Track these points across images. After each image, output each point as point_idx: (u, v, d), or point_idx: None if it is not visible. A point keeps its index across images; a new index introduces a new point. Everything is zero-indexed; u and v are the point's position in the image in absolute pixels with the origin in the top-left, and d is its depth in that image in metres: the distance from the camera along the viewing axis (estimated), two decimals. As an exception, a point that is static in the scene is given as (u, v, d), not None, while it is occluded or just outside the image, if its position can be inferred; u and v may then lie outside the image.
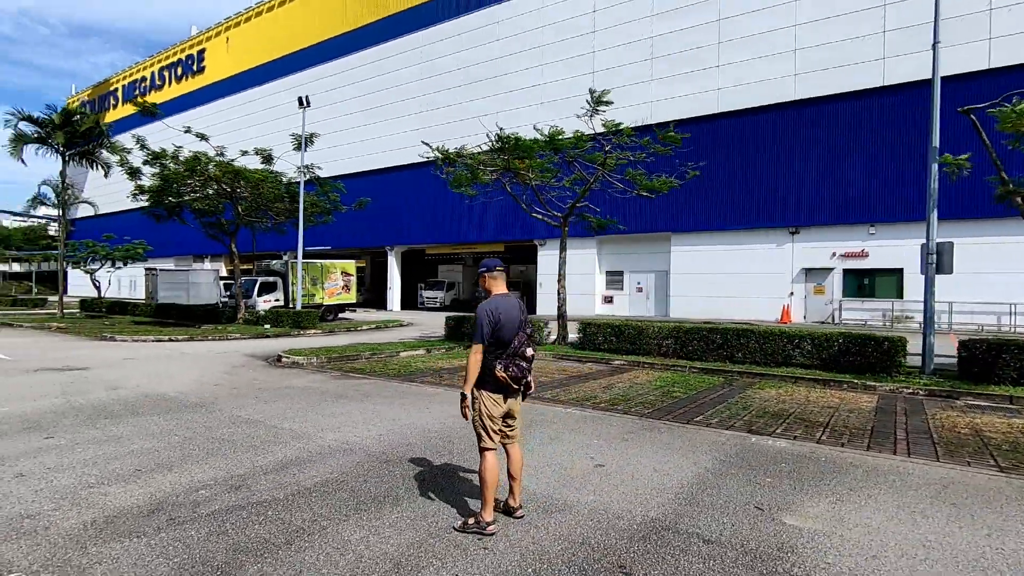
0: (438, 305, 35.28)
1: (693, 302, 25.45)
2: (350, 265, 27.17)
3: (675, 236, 26.35)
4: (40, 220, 53.92)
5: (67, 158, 24.80)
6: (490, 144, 13.37)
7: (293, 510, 4.16)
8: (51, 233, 49.44)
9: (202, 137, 21.89)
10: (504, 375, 3.78)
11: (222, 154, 21.83)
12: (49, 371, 10.80)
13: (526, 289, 32.30)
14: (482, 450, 3.96)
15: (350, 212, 30.54)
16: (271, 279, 25.07)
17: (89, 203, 43.66)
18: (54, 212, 46.01)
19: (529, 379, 4.01)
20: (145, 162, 20.37)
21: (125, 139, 23.67)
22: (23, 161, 28.69)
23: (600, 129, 13.04)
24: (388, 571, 3.28)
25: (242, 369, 11.39)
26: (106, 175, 27.28)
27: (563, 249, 14.77)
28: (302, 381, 10.02)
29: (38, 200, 42.59)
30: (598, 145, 13.45)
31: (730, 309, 24.36)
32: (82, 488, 4.56)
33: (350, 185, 32.40)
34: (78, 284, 54.02)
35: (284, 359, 12.34)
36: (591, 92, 12.96)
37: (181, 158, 20.52)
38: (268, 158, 23.44)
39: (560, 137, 12.92)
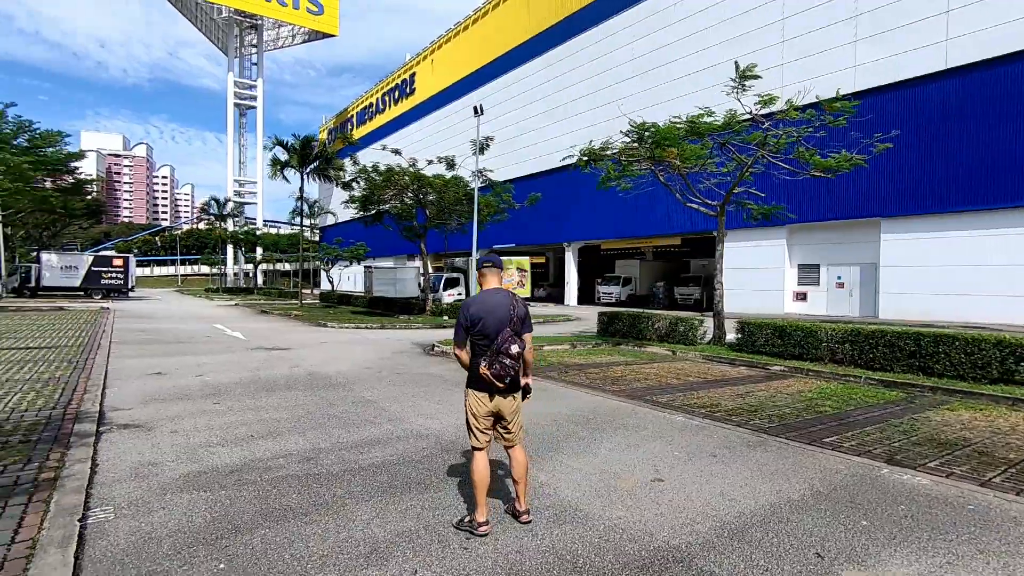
0: (613, 300, 34.75)
1: (911, 300, 20.91)
2: (524, 261, 28.32)
3: (885, 222, 21.91)
4: (299, 227, 66.97)
5: (305, 176, 30.30)
6: (635, 134, 12.71)
7: (334, 485, 4.57)
8: (307, 237, 61.21)
9: (396, 152, 24.88)
10: (486, 372, 3.64)
11: (413, 165, 24.56)
12: (262, 350, 13.37)
13: (707, 285, 29.99)
14: (471, 449, 3.87)
15: (531, 211, 31.72)
16: (454, 275, 27.42)
17: (332, 213, 52.63)
18: (308, 221, 56.50)
19: (521, 378, 3.81)
20: (353, 178, 23.89)
21: (362, 156, 28.02)
22: (286, 179, 35.87)
23: (761, 108, 11.50)
24: (364, 555, 3.42)
25: (399, 355, 12.70)
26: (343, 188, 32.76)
27: (720, 241, 13.40)
28: (439, 368, 10.81)
29: (296, 212, 52.70)
30: (756, 126, 11.87)
31: (964, 310, 19.49)
32: (202, 446, 5.61)
33: (531, 185, 33.78)
34: (328, 280, 65.51)
35: (436, 348, 13.44)
36: (736, 66, 11.50)
37: (380, 171, 23.57)
38: (451, 164, 25.66)
39: (705, 119, 11.68)
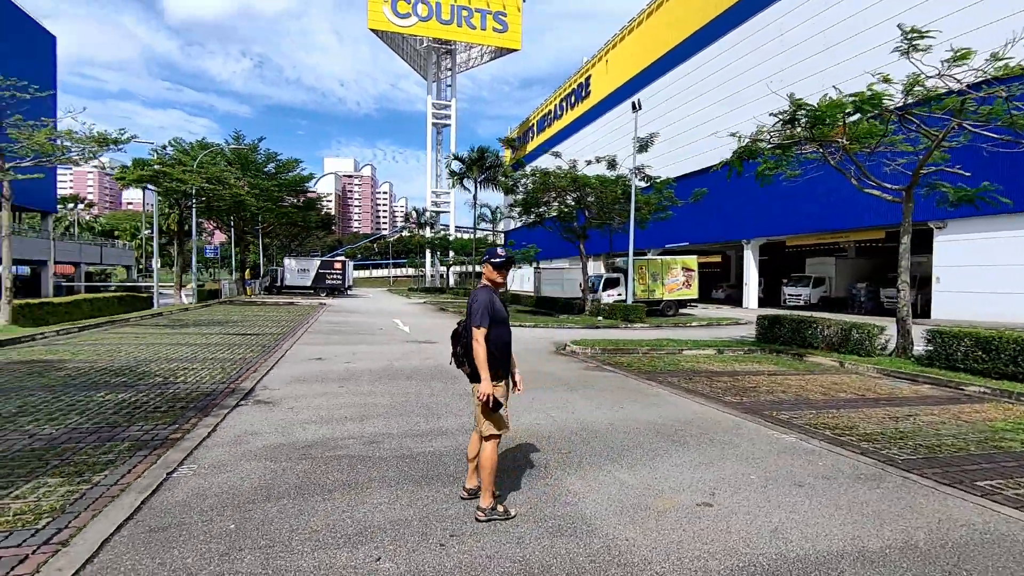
0: (802, 303, 30.55)
1: None
2: (691, 261, 26.52)
3: None
4: (474, 232, 71.92)
5: (479, 185, 32.45)
6: (788, 115, 11.00)
7: (373, 468, 4.86)
8: (489, 241, 65.52)
9: (556, 155, 25.26)
10: None
11: (573, 166, 24.70)
12: (413, 343, 14.66)
13: (922, 286, 24.69)
14: None
15: (705, 207, 29.79)
16: (615, 275, 26.83)
17: (511, 217, 55.52)
18: (488, 226, 60.33)
19: (460, 369, 4.10)
20: (513, 183, 24.88)
21: (540, 161, 29.31)
22: (465, 187, 39.06)
23: (949, 68, 9.12)
24: (347, 536, 3.59)
25: (530, 353, 12.87)
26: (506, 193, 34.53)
27: (905, 232, 10.92)
28: (557, 367, 10.72)
29: (480, 217, 56.64)
30: (950, 92, 9.41)
31: None
32: (301, 423, 6.38)
33: (701, 180, 31.60)
34: (510, 279, 69.09)
35: (567, 348, 13.34)
36: (900, 28, 9.22)
37: (537, 175, 24.19)
38: (612, 164, 25.23)
39: (875, 88, 9.53)
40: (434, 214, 72.51)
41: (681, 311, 26.68)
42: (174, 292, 30.82)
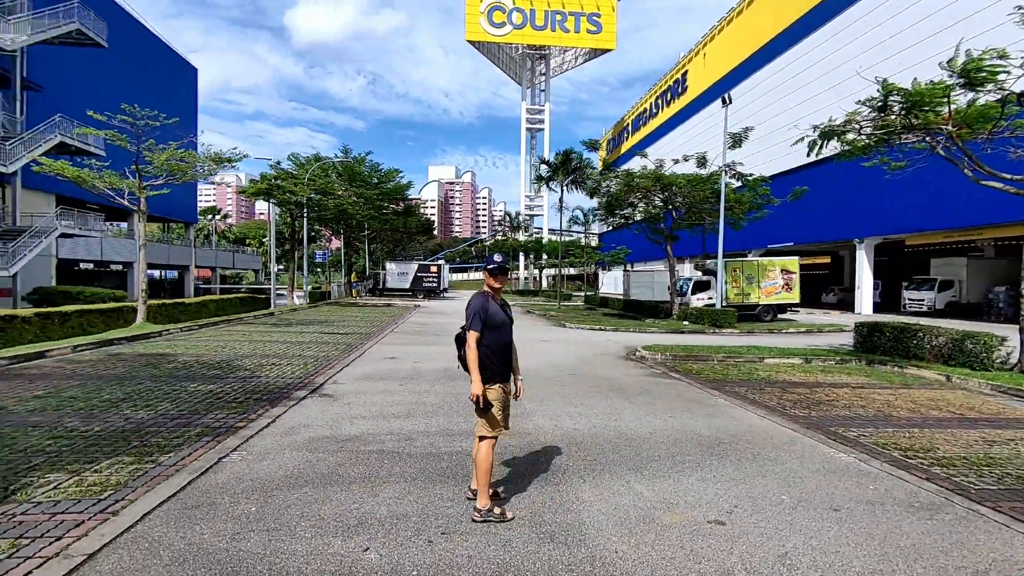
0: (926, 309, 27.17)
1: None
2: (791, 262, 24.63)
3: None
4: (576, 235, 71.39)
5: (565, 187, 32.41)
6: (878, 101, 9.88)
7: (396, 464, 5.08)
8: (581, 244, 65.13)
9: (643, 155, 24.60)
10: None
11: (660, 166, 23.92)
12: (488, 345, 14.94)
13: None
14: None
15: (811, 205, 27.69)
16: (705, 278, 25.59)
17: (604, 220, 54.78)
18: (582, 229, 59.90)
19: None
20: (595, 185, 24.56)
21: (632, 164, 28.88)
22: (552, 190, 39.14)
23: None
24: (347, 525, 3.81)
25: (599, 356, 12.68)
26: (590, 196, 34.15)
27: (1031, 226, 9.45)
28: (620, 373, 10.46)
29: (572, 220, 56.44)
30: None
31: None
32: (351, 417, 6.80)
33: (804, 177, 29.39)
34: (606, 283, 68.03)
35: (637, 353, 12.96)
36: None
37: (620, 176, 23.70)
38: (702, 162, 24.12)
39: (986, 63, 8.25)
40: (527, 217, 73.31)
41: (780, 316, 24.88)
42: (287, 294, 33.76)
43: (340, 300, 40.48)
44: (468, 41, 70.71)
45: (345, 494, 4.35)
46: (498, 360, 4.04)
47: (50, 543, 3.46)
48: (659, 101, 59.46)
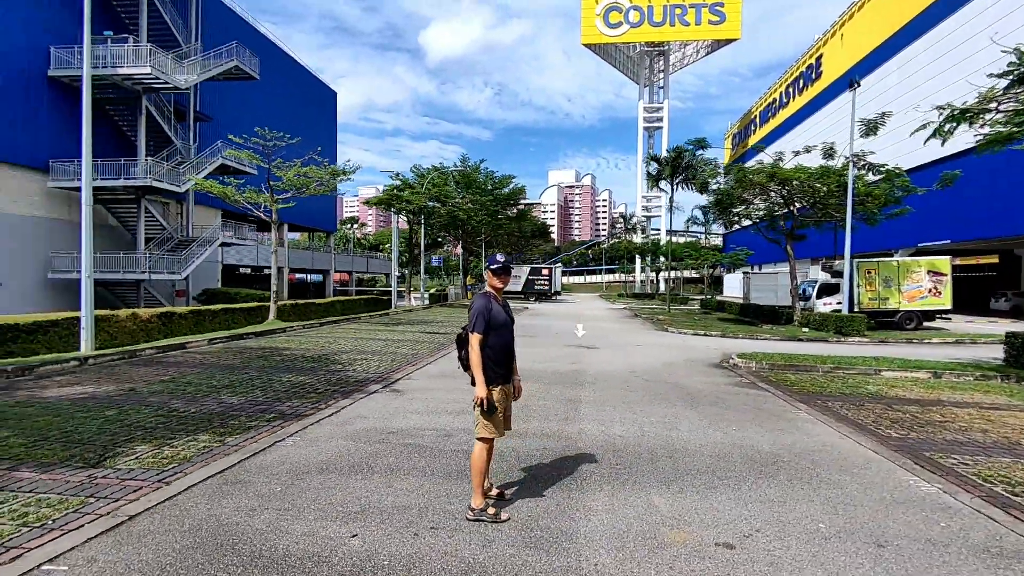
0: None
1: None
2: (942, 263, 21.34)
3: None
4: (694, 235, 67.83)
5: (675, 186, 31.03)
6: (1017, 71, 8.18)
7: (423, 458, 5.24)
8: (702, 244, 61.65)
9: (759, 149, 22.83)
10: None
11: (780, 159, 22.02)
12: (576, 347, 14.75)
13: None
14: None
15: (972, 196, 23.97)
16: (833, 281, 23.05)
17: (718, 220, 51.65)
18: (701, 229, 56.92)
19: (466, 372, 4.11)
20: (704, 183, 23.22)
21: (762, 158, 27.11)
22: (662, 189, 37.69)
23: None
24: (349, 512, 4.01)
25: (686, 363, 11.96)
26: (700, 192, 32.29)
27: None
28: (699, 381, 9.79)
29: (691, 220, 53.92)
30: None
31: None
32: (407, 411, 7.11)
33: (963, 164, 25.46)
34: (731, 286, 63.90)
35: (730, 360, 12.03)
36: None
37: (732, 172, 22.17)
38: (829, 153, 21.82)
39: None
40: (644, 219, 71.15)
41: (927, 325, 21.66)
42: (406, 296, 36.04)
43: (455, 303, 42.31)
44: (584, 45, 70.42)
45: (363, 482, 4.58)
46: (500, 361, 4.04)
47: (108, 504, 4.06)
48: (789, 90, 54.68)
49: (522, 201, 55.86)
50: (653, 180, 31.97)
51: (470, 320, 4.02)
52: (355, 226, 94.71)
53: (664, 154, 30.84)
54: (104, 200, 26.52)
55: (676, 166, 30.16)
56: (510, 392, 4.17)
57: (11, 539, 3.48)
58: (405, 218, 35.46)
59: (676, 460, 5.32)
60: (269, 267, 47.98)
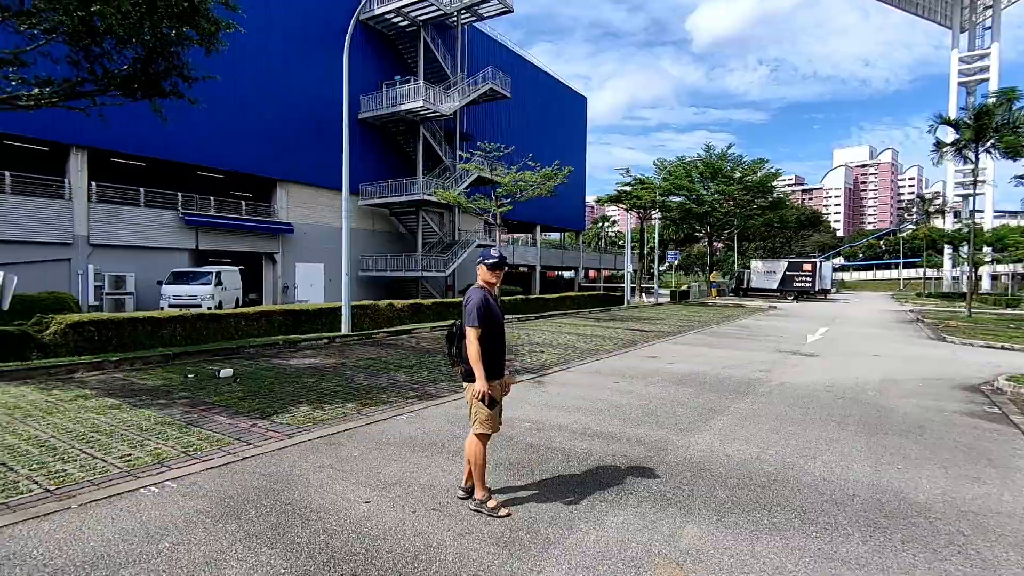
0: None
1: None
2: None
3: None
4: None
5: (980, 155, 23.84)
6: None
7: (504, 448, 5.39)
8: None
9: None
10: None
11: None
12: (785, 353, 12.70)
13: None
14: None
15: None
16: None
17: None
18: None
19: (454, 368, 4.18)
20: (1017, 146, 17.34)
21: None
22: (966, 159, 29.22)
23: None
24: (382, 483, 4.46)
25: (919, 382, 9.27)
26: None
27: None
28: (919, 406, 7.52)
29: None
30: None
31: None
32: (534, 403, 7.29)
33: None
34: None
35: (993, 383, 8.89)
36: None
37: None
38: None
39: None
40: (958, 199, 55.95)
41: None
42: (636, 293, 35.62)
43: (695, 300, 40.16)
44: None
45: (423, 459, 5.00)
46: (495, 357, 4.01)
47: (244, 446, 5.31)
48: None
49: (796, 187, 49.69)
50: (942, 149, 25.09)
51: (466, 315, 3.97)
52: (606, 224, 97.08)
53: (963, 114, 23.92)
54: (396, 213, 32.89)
55: (982, 128, 23.14)
56: (500, 388, 4.09)
57: (167, 460, 4.89)
58: (637, 215, 35.06)
59: (768, 492, 4.41)
60: (522, 265, 52.85)
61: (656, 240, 36.53)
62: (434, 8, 29.51)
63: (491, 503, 3.94)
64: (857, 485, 4.59)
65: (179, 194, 23.80)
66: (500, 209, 21.12)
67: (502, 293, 33.95)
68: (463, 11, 32.12)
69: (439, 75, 33.66)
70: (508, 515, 3.87)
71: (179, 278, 20.94)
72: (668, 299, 39.93)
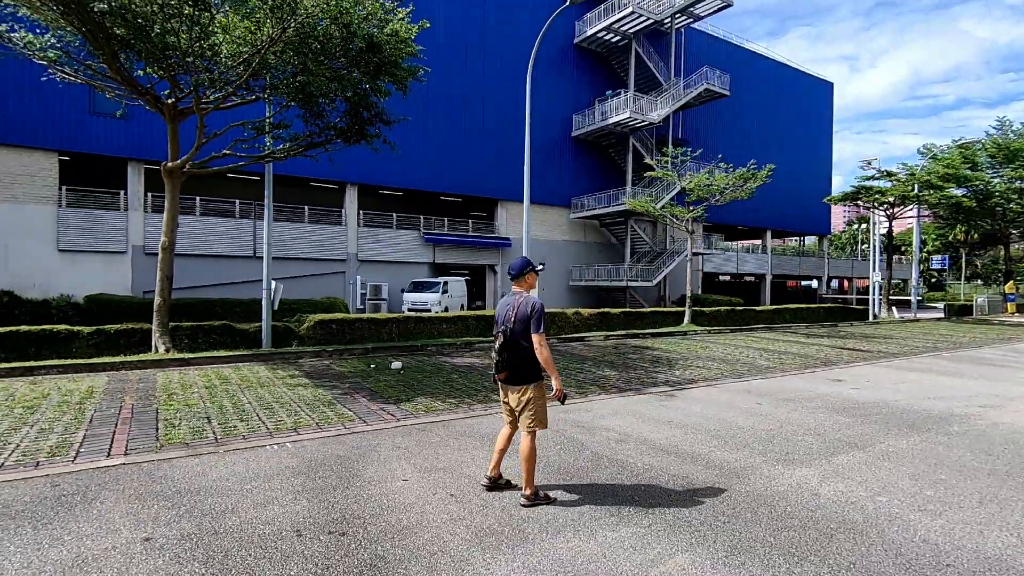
0: None
1: None
2: None
3: None
4: None
5: None
6: None
7: (571, 454, 5.47)
8: None
9: None
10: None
11: None
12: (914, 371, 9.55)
13: None
14: None
15: None
16: None
17: None
18: None
19: (499, 375, 4.24)
20: None
21: None
22: None
23: None
24: (440, 468, 4.97)
25: None
26: None
27: None
28: None
29: None
30: None
31: None
32: (651, 416, 7.03)
33: None
34: None
35: None
36: None
37: None
38: None
39: None
40: None
41: None
42: (882, 306, 29.68)
43: (973, 317, 31.81)
44: None
45: (481, 452, 5.36)
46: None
47: (359, 423, 6.39)
48: None
49: None
50: None
51: (534, 322, 4.10)
52: (862, 227, 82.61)
53: None
54: (605, 224, 33.63)
55: None
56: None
57: (300, 427, 6.18)
58: (883, 214, 29.38)
59: (825, 540, 3.67)
60: (749, 275, 48.45)
61: (915, 243, 29.96)
62: (643, 19, 29.38)
63: (542, 494, 4.27)
64: (966, 554, 3.52)
65: (421, 217, 28.17)
66: (691, 214, 20.00)
67: (714, 303, 31.90)
68: (677, 14, 31.29)
69: (652, 83, 33.30)
70: (554, 499, 4.21)
71: (416, 287, 24.85)
72: (941, 315, 32.54)
